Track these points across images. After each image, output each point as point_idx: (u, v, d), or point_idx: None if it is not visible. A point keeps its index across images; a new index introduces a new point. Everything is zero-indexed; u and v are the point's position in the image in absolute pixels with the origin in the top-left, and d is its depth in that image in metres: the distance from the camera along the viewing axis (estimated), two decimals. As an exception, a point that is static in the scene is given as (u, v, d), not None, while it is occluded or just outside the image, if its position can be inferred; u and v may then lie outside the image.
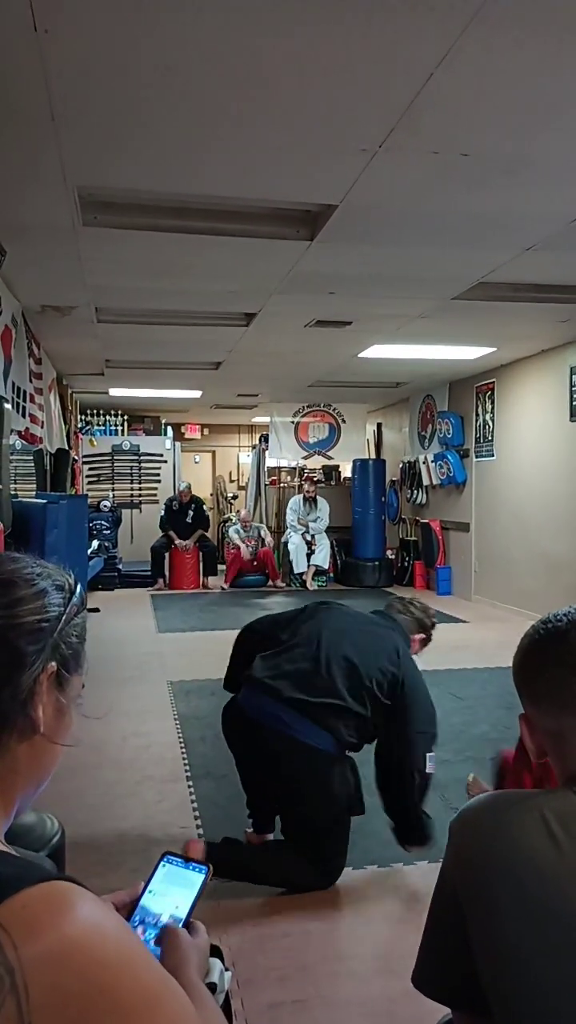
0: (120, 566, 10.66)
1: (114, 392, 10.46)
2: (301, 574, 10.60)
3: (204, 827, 3.26)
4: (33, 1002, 0.59)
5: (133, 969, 0.64)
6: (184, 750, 4.15)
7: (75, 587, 0.85)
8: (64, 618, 0.80)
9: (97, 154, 3.29)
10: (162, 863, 0.89)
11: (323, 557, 10.72)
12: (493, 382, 8.77)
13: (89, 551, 8.94)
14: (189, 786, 3.69)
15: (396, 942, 2.45)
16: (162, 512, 10.90)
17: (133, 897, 0.87)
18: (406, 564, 10.73)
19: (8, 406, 5.22)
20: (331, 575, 10.92)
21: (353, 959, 2.40)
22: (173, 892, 0.87)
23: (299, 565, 10.61)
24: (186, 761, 3.99)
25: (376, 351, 7.47)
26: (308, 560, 10.63)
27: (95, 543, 9.95)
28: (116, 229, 4.12)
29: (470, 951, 0.96)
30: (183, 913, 0.85)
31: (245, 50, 2.49)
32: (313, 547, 10.68)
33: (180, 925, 0.84)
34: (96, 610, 8.24)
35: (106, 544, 10.63)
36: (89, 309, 5.99)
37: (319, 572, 10.73)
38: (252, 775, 2.87)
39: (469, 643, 6.92)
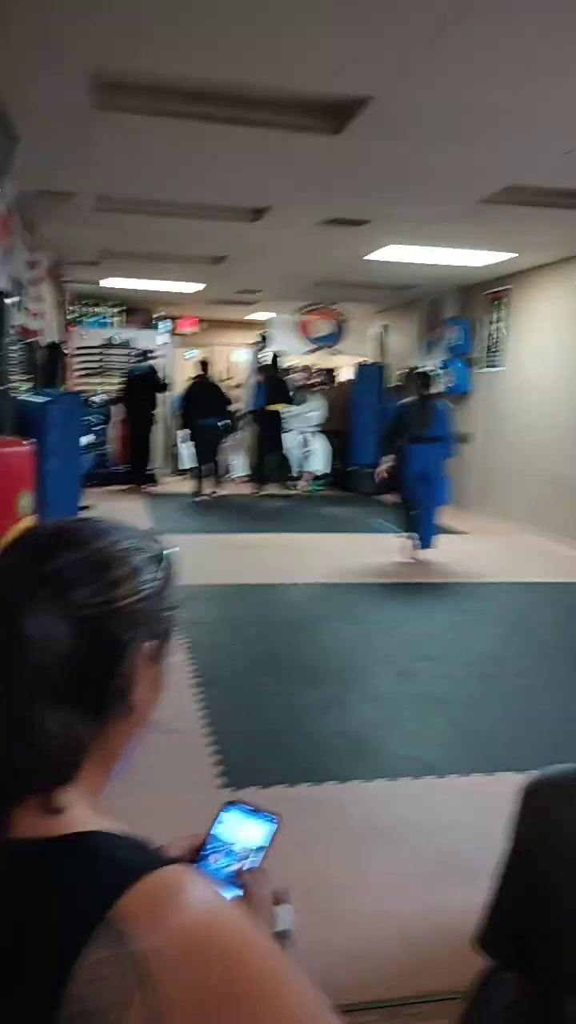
0: (110, 464, 10.55)
1: (108, 283, 10.06)
2: (297, 476, 10.53)
3: (214, 732, 3.32)
4: (163, 995, 0.58)
5: (256, 954, 0.64)
6: (193, 657, 4.20)
7: (167, 555, 0.81)
8: (159, 593, 0.77)
9: (117, 34, 3.04)
10: (226, 810, 0.88)
11: (319, 461, 10.63)
12: (507, 289, 8.50)
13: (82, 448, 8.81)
14: (200, 692, 3.75)
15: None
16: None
17: (196, 844, 0.87)
18: (403, 472, 10.69)
19: (8, 300, 4.98)
20: (328, 479, 10.85)
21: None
22: (243, 834, 0.86)
23: (295, 467, 10.53)
24: (196, 668, 4.05)
25: (389, 253, 7.18)
26: (304, 464, 10.56)
27: (86, 439, 9.80)
28: (130, 114, 3.83)
29: (537, 918, 0.97)
30: (260, 843, 0.85)
31: None
32: (308, 450, 10.57)
33: (255, 865, 0.84)
34: (88, 507, 8.19)
35: (97, 440, 10.49)
36: (90, 196, 5.67)
37: (316, 477, 10.68)
38: None
39: (471, 556, 6.97)
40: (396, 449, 6.38)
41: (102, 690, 0.72)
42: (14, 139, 4.01)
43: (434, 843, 2.62)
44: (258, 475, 10.54)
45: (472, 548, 7.34)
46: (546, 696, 3.91)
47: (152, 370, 10.29)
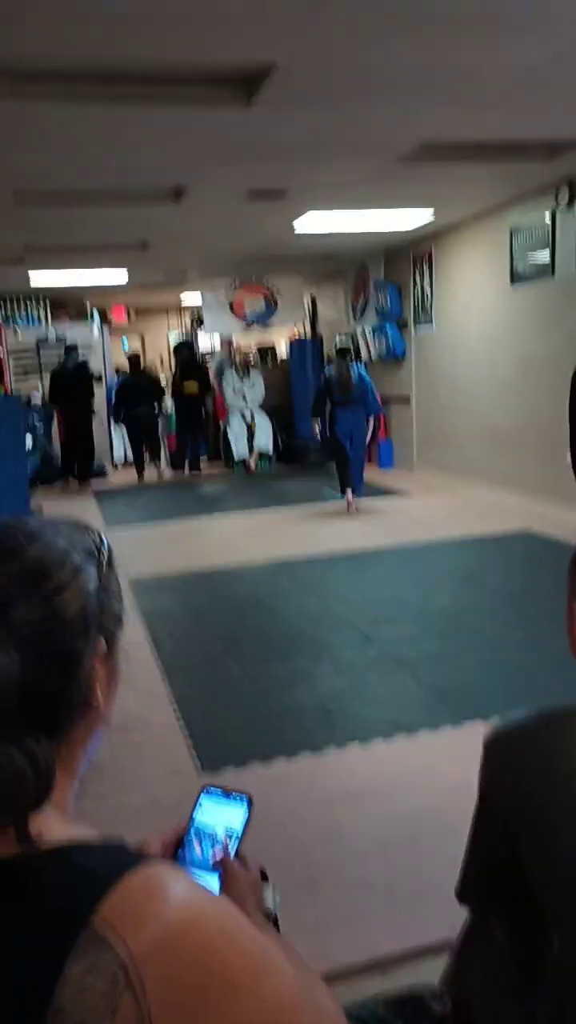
0: (57, 462, 10.38)
1: (36, 280, 9.83)
2: (243, 460, 10.50)
3: (185, 721, 3.32)
4: (149, 996, 0.58)
5: (238, 945, 0.63)
6: (157, 648, 4.18)
7: (102, 543, 0.77)
8: (103, 588, 0.74)
9: (15, 22, 2.92)
10: (203, 795, 0.89)
11: (265, 440, 10.61)
12: (431, 249, 8.54)
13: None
14: (167, 683, 3.73)
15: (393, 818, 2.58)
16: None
17: (179, 834, 0.87)
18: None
19: None
20: (272, 457, 10.85)
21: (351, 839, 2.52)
22: (221, 817, 0.87)
23: (240, 451, 10.50)
24: (161, 659, 4.03)
25: (311, 223, 7.14)
26: (250, 444, 10.54)
27: (29, 440, 9.61)
28: (35, 100, 3.72)
29: (513, 865, 0.99)
30: (237, 827, 0.86)
31: None
32: (253, 429, 10.55)
33: (233, 851, 0.85)
34: (38, 510, 8.07)
35: (41, 440, 10.30)
36: (6, 191, 5.51)
37: (261, 455, 10.66)
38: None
39: (418, 516, 7.06)
40: (325, 413, 7.36)
41: (63, 704, 0.69)
42: None
43: (411, 801, 2.65)
44: (180, 458, 10.59)
45: (418, 507, 7.46)
46: (503, 644, 3.99)
47: (84, 365, 10.14)
